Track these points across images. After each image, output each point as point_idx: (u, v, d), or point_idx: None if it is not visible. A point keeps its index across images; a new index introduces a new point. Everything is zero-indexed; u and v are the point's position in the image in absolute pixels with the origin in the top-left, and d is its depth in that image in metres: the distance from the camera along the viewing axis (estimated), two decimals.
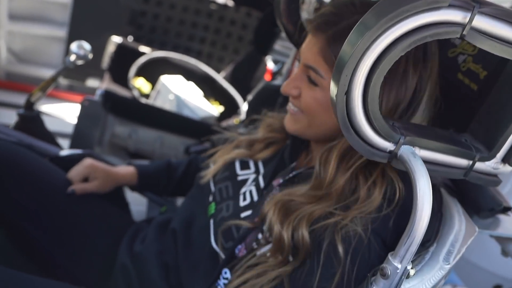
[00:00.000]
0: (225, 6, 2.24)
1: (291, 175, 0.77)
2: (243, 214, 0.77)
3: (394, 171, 0.66)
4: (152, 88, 2.09)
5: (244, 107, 1.98)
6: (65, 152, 1.12)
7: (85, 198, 1.00)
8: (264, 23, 1.63)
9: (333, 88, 0.48)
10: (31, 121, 1.18)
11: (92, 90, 2.12)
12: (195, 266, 0.80)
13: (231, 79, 2.22)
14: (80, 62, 1.17)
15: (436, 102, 0.68)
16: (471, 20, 0.43)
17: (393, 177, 0.65)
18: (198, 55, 2.33)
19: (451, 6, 0.43)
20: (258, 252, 0.71)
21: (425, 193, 0.48)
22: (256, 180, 0.82)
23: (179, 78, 2.01)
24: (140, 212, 1.39)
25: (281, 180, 0.78)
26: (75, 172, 1.00)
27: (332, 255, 0.62)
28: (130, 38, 2.23)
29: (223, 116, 2.08)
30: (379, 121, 0.48)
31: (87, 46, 1.17)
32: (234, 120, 1.95)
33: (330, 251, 0.63)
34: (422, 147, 0.52)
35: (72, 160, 1.11)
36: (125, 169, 1.09)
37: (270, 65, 2.17)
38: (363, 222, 0.62)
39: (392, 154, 0.51)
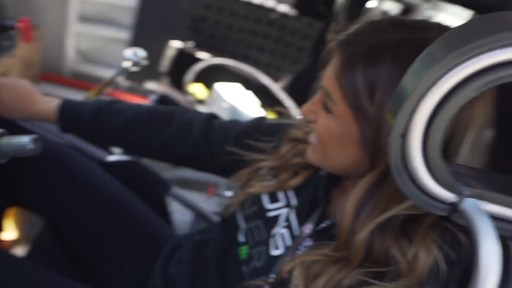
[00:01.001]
0: (286, 15, 2.19)
1: (323, 225, 0.67)
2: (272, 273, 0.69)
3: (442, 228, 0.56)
4: (208, 95, 2.09)
5: None
6: (112, 158, 1.13)
7: (129, 205, 0.99)
8: (325, 35, 1.57)
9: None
10: None
11: (151, 93, 2.16)
12: None
13: (289, 90, 2.17)
14: (134, 68, 1.18)
15: (486, 151, 0.58)
16: None
17: (443, 237, 0.56)
18: (256, 64, 2.29)
19: None
20: None
21: (491, 260, 0.39)
22: (288, 220, 0.72)
23: (236, 86, 1.99)
24: (185, 222, 1.38)
25: (311, 228, 0.69)
26: None
27: None
28: (190, 44, 2.24)
29: None
30: (440, 169, 0.41)
31: (141, 53, 1.17)
32: None
33: None
34: (491, 201, 0.44)
35: (119, 166, 1.12)
36: (47, 104, 0.91)
37: None
38: None
39: (453, 207, 0.44)
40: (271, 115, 2.09)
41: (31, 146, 0.76)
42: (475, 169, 0.53)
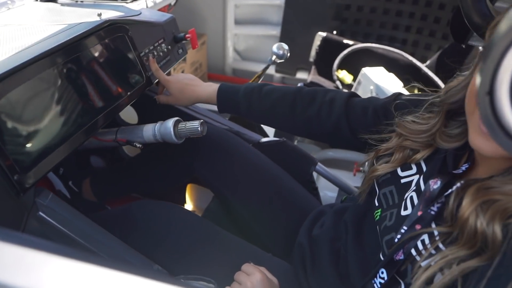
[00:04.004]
0: None
1: (456, 186, 0.65)
2: (404, 226, 0.70)
3: None
4: (354, 79, 2.16)
5: None
6: (265, 139, 1.30)
7: (279, 179, 1.15)
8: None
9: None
10: None
11: (302, 82, 2.31)
12: (362, 261, 0.81)
13: (436, 68, 2.09)
14: (279, 61, 1.33)
15: None
16: None
17: None
18: (403, 44, 2.26)
19: None
20: (420, 262, 0.64)
21: None
22: (417, 184, 0.73)
23: (380, 69, 2.02)
24: (331, 198, 1.49)
25: (439, 183, 0.69)
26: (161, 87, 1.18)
27: None
28: (334, 32, 2.33)
29: None
30: None
31: (285, 46, 1.31)
32: None
33: None
34: None
35: (271, 146, 1.28)
36: (206, 88, 1.07)
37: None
38: None
39: None
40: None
41: (200, 128, 0.97)
42: None
